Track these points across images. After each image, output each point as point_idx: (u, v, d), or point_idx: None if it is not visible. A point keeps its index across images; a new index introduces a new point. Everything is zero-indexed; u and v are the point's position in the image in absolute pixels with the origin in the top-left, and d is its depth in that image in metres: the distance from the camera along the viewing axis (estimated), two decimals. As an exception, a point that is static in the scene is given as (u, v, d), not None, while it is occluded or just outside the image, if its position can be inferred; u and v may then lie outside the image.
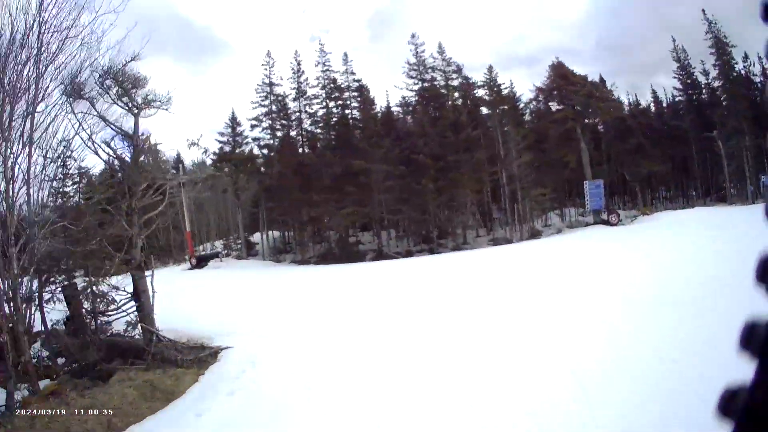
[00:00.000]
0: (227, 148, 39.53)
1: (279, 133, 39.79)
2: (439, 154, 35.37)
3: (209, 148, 39.11)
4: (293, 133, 39.97)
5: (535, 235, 36.52)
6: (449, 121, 37.04)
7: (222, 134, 39.68)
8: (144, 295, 11.41)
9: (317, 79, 39.33)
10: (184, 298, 16.12)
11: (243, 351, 9.94)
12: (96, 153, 11.84)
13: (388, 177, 34.32)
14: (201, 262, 36.40)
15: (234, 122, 39.92)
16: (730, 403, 0.37)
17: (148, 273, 11.99)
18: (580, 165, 38.05)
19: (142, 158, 12.59)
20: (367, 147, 35.99)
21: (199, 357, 10.11)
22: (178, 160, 40.28)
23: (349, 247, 37.17)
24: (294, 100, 39.61)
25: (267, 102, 39.45)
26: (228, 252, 41.13)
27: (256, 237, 41.98)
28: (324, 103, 39.35)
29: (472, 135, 36.55)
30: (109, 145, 12.02)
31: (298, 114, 39.70)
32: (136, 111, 11.59)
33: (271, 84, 39.41)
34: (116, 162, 12.45)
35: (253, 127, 39.30)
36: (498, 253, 26.18)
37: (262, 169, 39.87)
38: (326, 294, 17.16)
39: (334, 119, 39.25)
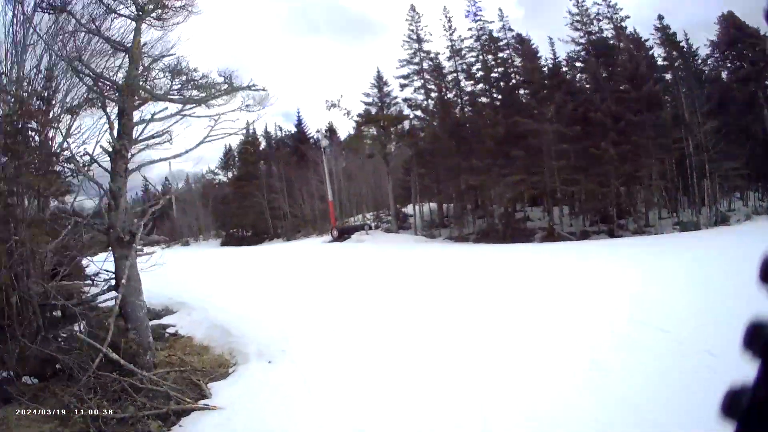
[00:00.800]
0: (374, 110, 35.02)
1: (433, 95, 34.21)
2: (617, 113, 27.56)
3: (351, 110, 35.11)
4: (450, 95, 34.35)
5: (724, 220, 27.83)
6: (626, 73, 28.66)
7: (367, 95, 35.47)
8: (129, 291, 6.98)
9: (470, 29, 33.47)
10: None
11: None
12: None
13: (560, 139, 27.09)
14: (343, 234, 33.06)
15: (380, 82, 35.53)
16: (733, 403, 0.37)
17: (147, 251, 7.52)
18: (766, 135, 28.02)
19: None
20: (534, 104, 29.29)
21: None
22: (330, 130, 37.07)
23: (514, 224, 30.72)
24: (449, 59, 34.11)
25: (417, 59, 34.16)
26: (377, 224, 37.20)
27: (410, 209, 37.39)
28: (479, 57, 33.08)
29: (654, 89, 27.90)
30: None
31: (454, 75, 33.90)
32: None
33: (419, 39, 34.02)
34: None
35: (402, 86, 34.46)
36: (706, 244, 17.65)
37: (414, 131, 34.79)
38: (488, 291, 11.08)
39: (495, 73, 32.54)
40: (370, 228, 34.97)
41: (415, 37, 34.10)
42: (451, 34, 33.69)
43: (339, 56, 70.68)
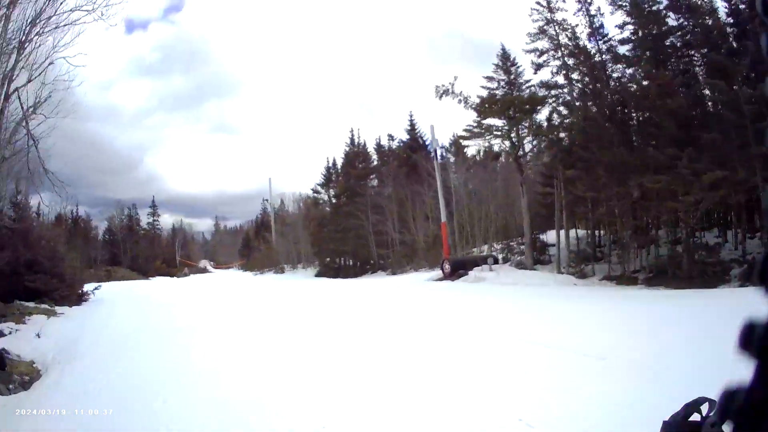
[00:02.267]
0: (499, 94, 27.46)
1: (575, 75, 25.71)
2: None
3: (470, 96, 27.64)
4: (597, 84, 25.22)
5: None
6: None
7: (490, 78, 27.86)
8: None
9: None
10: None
11: None
12: None
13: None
14: (457, 269, 25.87)
15: (506, 62, 27.72)
16: (729, 404, 0.38)
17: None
18: None
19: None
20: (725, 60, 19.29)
21: None
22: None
23: (697, 256, 20.90)
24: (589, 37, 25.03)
25: (551, 31, 25.81)
26: (506, 256, 29.43)
27: (550, 237, 28.99)
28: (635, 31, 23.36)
29: None
30: None
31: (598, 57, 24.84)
32: None
33: (550, 7, 25.67)
34: None
35: (537, 67, 26.04)
36: None
37: (554, 125, 26.38)
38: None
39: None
40: (495, 261, 27.22)
41: (544, 3, 25.79)
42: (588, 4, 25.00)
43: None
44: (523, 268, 26.68)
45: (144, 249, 64.76)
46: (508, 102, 26.55)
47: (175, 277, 59.22)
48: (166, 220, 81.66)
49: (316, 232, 43.82)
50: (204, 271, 76.87)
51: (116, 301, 20.89)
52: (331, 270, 40.99)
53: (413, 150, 39.77)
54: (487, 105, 27.02)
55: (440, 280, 25.75)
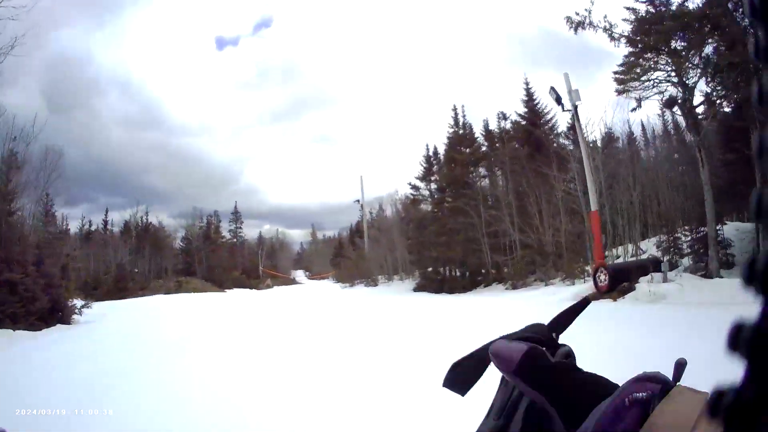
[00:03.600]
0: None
1: None
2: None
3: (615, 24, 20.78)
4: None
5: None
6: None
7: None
8: None
9: None
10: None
11: None
12: None
13: None
14: (619, 280, 18.74)
15: None
16: (719, 403, 0.39)
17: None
18: None
19: None
20: None
21: None
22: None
23: None
24: None
25: None
26: (674, 259, 22.11)
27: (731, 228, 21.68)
28: None
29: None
30: None
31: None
32: None
33: None
34: None
35: None
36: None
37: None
38: None
39: None
40: (657, 266, 19.94)
41: None
42: None
43: None
44: (708, 275, 19.39)
45: (222, 259, 62.22)
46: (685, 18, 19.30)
47: (255, 290, 56.46)
48: (266, 231, 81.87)
49: (415, 236, 37.69)
50: (292, 282, 73.35)
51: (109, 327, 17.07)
52: (433, 282, 34.44)
53: (533, 125, 32.59)
54: (650, 27, 19.95)
55: (596, 298, 18.79)
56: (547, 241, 27.35)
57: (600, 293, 18.81)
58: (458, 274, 34.11)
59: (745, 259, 0.42)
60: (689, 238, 22.46)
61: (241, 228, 70.54)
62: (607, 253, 24.55)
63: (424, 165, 39.21)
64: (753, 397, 0.37)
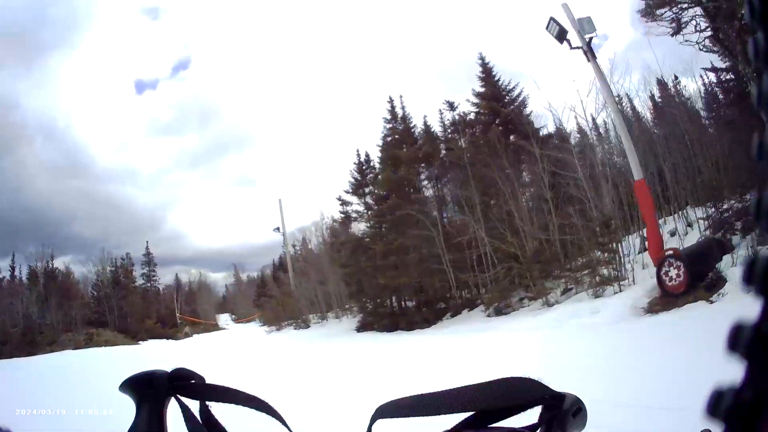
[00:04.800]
0: None
1: None
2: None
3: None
4: None
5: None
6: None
7: None
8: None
9: None
10: None
11: None
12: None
13: None
14: (700, 272, 11.71)
15: None
16: (718, 404, 0.38)
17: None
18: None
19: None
20: None
21: None
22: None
23: None
24: None
25: None
26: (724, 235, 15.31)
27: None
28: None
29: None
30: None
31: None
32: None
33: None
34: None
35: None
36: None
37: None
38: None
39: None
40: (722, 247, 13.30)
41: None
42: None
43: None
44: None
45: (136, 306, 53.08)
46: None
47: (172, 340, 48.72)
48: (186, 274, 75.55)
49: (351, 262, 29.54)
50: (215, 328, 64.05)
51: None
52: (381, 318, 26.17)
53: (496, 99, 25.48)
54: None
55: (653, 308, 11.47)
56: (527, 246, 20.06)
57: (670, 295, 12.47)
58: (414, 303, 26.15)
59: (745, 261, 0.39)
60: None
61: (155, 272, 61.04)
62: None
63: (356, 176, 31.26)
64: (752, 398, 0.36)
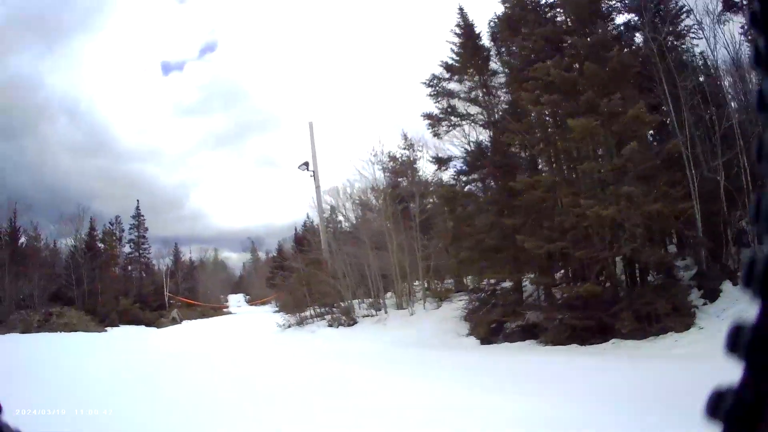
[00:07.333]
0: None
1: None
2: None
3: None
4: None
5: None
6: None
7: None
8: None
9: None
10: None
11: None
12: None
13: None
14: None
15: None
16: (718, 405, 0.40)
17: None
18: None
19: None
20: None
21: None
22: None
23: None
24: None
25: None
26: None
27: None
28: None
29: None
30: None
31: None
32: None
33: None
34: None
35: None
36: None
37: None
38: None
39: None
40: None
41: None
42: None
43: None
44: None
45: (112, 281, 42.13)
46: None
47: (153, 328, 38.05)
48: (202, 253, 72.25)
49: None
50: (218, 312, 50.96)
51: None
52: (572, 314, 12.13)
53: None
54: None
55: None
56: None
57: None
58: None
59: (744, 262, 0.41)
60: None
61: (145, 238, 48.12)
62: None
63: (459, 41, 17.57)
64: (752, 399, 0.36)
